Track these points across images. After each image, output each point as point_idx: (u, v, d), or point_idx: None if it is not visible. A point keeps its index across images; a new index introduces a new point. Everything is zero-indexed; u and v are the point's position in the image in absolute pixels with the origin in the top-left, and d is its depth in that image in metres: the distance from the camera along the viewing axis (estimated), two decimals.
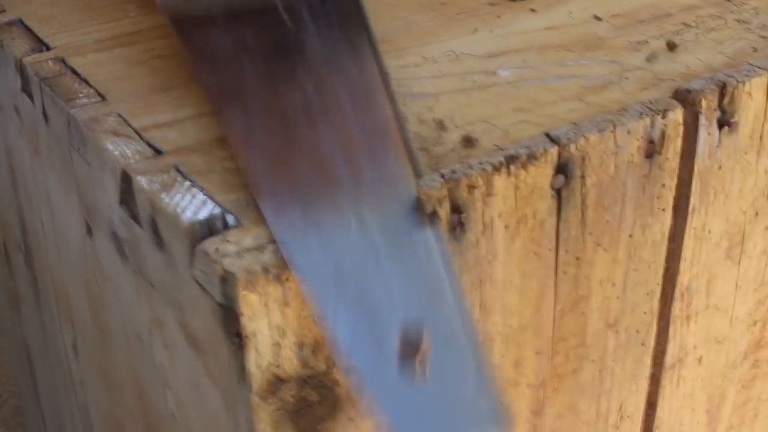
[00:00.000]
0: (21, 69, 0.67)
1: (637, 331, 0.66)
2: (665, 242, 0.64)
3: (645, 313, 0.65)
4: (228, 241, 0.50)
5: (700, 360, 0.71)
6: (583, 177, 0.57)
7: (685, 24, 0.71)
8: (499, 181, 0.54)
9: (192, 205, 0.52)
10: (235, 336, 0.49)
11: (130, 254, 0.59)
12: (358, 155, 0.53)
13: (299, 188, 0.52)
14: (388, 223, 0.51)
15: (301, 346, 0.51)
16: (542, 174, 0.56)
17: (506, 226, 0.56)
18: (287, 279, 0.49)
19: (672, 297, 0.66)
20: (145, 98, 0.62)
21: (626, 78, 0.64)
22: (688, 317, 0.68)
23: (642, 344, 0.67)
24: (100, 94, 0.63)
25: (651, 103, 0.60)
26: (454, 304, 0.50)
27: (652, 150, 0.59)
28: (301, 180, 0.52)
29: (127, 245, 0.59)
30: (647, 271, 0.64)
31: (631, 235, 0.61)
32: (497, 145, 0.57)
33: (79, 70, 0.66)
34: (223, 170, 0.55)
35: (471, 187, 0.53)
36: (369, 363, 0.49)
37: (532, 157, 0.55)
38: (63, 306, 0.77)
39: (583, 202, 0.58)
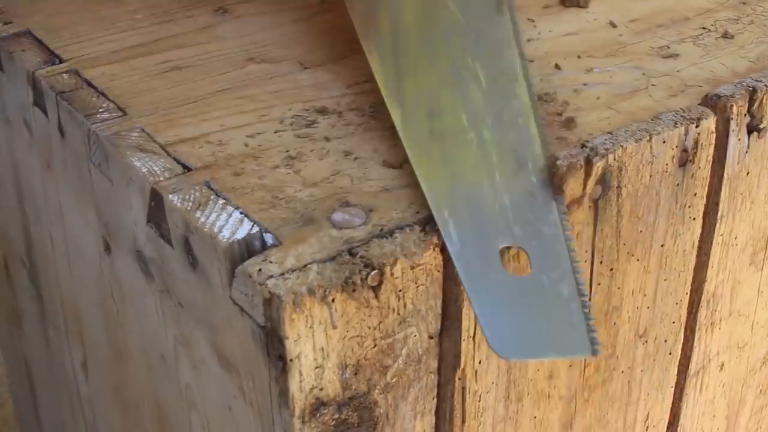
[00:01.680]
0: (33, 82, 0.65)
1: (665, 341, 0.65)
2: (695, 251, 0.63)
3: (673, 322, 0.65)
4: (270, 261, 0.48)
5: (722, 366, 0.71)
6: (619, 187, 0.57)
7: (704, 28, 0.71)
8: None
9: (229, 224, 0.51)
10: (279, 359, 0.48)
11: (156, 274, 0.58)
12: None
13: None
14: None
15: (343, 368, 0.50)
16: (581, 184, 0.55)
17: None
18: (333, 300, 0.48)
19: (698, 305, 0.66)
20: (167, 112, 0.61)
21: (653, 84, 0.63)
22: (712, 324, 0.68)
23: (669, 353, 0.66)
24: (120, 108, 0.61)
25: (684, 111, 0.59)
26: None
27: (685, 158, 0.59)
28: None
29: (153, 264, 0.57)
30: (677, 280, 0.63)
31: (662, 245, 0.61)
32: None
33: (95, 83, 0.64)
34: (256, 186, 0.54)
35: None
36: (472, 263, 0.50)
37: (571, 168, 0.54)
38: (72, 323, 0.75)
39: (619, 212, 0.57)
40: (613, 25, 0.71)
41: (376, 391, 0.52)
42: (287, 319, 0.47)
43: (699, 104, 0.61)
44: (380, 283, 0.49)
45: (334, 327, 0.48)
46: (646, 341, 0.64)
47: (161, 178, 0.55)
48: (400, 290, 0.50)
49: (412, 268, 0.50)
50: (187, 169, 0.56)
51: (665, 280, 0.62)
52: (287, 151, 0.57)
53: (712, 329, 0.68)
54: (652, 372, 0.66)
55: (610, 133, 0.57)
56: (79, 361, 0.77)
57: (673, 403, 0.69)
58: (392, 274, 0.49)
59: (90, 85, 0.64)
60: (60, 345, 0.80)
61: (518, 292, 0.50)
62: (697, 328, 0.67)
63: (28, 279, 0.82)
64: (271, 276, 0.47)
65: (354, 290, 0.48)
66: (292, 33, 0.70)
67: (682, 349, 0.67)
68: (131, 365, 0.67)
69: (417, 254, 0.50)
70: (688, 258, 0.63)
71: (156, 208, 0.55)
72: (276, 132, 0.59)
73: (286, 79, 0.64)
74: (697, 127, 0.58)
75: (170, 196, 0.53)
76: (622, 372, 0.64)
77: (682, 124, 0.58)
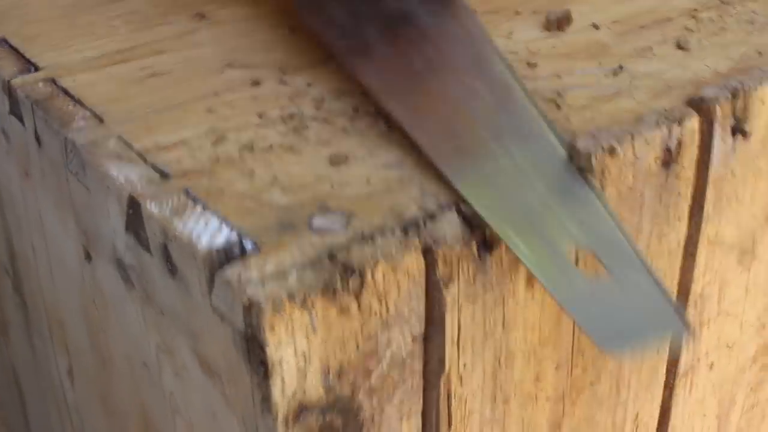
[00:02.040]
0: (9, 91, 0.65)
1: None
2: (680, 251, 0.63)
3: None
4: (249, 268, 0.48)
5: (711, 366, 0.71)
6: (602, 189, 0.56)
7: (687, 29, 0.71)
8: None
9: (207, 231, 0.50)
10: (260, 365, 0.48)
11: (136, 281, 0.57)
12: (490, 105, 0.58)
13: (451, 134, 0.56)
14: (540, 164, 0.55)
15: (326, 372, 0.49)
16: None
17: None
18: (313, 304, 0.47)
19: (686, 305, 0.65)
20: (145, 119, 0.60)
21: (636, 86, 0.63)
22: (700, 324, 0.68)
23: (657, 353, 0.66)
24: (97, 116, 0.61)
25: (666, 111, 0.59)
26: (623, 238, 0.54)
27: (668, 159, 0.58)
28: (449, 125, 0.57)
29: (133, 272, 0.57)
30: (663, 280, 0.63)
31: (648, 246, 0.60)
32: None
33: (71, 92, 0.63)
34: (235, 193, 0.53)
35: None
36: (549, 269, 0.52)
37: None
38: (57, 331, 0.75)
39: None
40: (595, 27, 0.71)
41: (361, 394, 0.51)
42: (267, 325, 0.46)
43: (683, 105, 0.60)
44: (361, 287, 0.48)
45: (314, 331, 0.47)
46: None
47: (138, 186, 0.54)
48: (381, 294, 0.49)
49: (394, 271, 0.49)
50: (164, 176, 0.55)
51: None
52: (267, 156, 0.56)
53: (700, 329, 0.68)
54: (640, 372, 0.65)
55: (593, 135, 0.57)
56: (65, 368, 0.76)
57: (662, 403, 0.69)
58: (373, 278, 0.49)
59: (66, 93, 0.63)
60: (46, 352, 0.79)
61: (602, 293, 0.52)
62: None
63: (12, 287, 0.81)
64: (251, 283, 0.47)
65: (334, 294, 0.48)
66: (272, 38, 0.70)
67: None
68: (115, 373, 0.66)
69: (398, 258, 0.49)
70: (674, 259, 0.63)
71: (134, 216, 0.54)
72: (255, 138, 0.58)
73: (265, 85, 0.64)
74: (680, 126, 0.58)
75: (148, 203, 0.53)
76: (610, 372, 0.64)
77: (664, 124, 0.58)
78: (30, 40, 0.70)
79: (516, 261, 0.54)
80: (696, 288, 0.65)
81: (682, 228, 0.62)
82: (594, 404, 0.64)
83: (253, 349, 0.48)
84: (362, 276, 0.48)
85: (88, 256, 0.63)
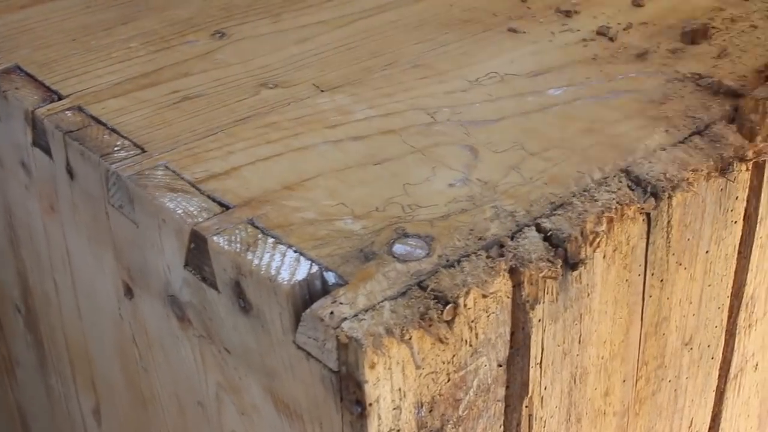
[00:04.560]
0: (33, 121, 0.61)
1: (708, 346, 0.64)
2: (735, 254, 0.62)
3: (716, 327, 0.64)
4: (340, 302, 0.46)
5: (756, 366, 0.71)
6: (670, 198, 0.55)
7: (714, 27, 0.70)
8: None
9: (285, 264, 0.48)
10: (356, 404, 0.45)
11: (194, 318, 0.54)
12: None
13: None
14: None
15: (419, 406, 0.47)
16: (635, 200, 0.53)
17: (604, 256, 0.53)
18: (410, 338, 0.45)
19: (738, 308, 0.65)
20: (189, 146, 0.57)
21: (680, 89, 0.62)
22: (749, 326, 0.67)
23: (712, 358, 0.65)
24: (137, 145, 0.58)
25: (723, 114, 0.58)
26: None
27: (728, 162, 0.58)
28: None
29: (191, 309, 0.54)
30: (719, 285, 0.62)
31: (707, 251, 0.60)
32: (581, 171, 0.54)
33: (103, 119, 0.60)
34: (303, 221, 0.51)
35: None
36: None
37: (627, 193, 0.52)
38: (81, 370, 0.71)
39: (669, 222, 0.56)
40: (627, 28, 0.70)
41: (449, 426, 0.50)
42: (367, 362, 0.44)
43: (732, 107, 0.60)
44: (454, 315, 0.47)
45: (418, 367, 0.45)
46: (691, 348, 0.63)
47: (200, 219, 0.52)
48: (472, 321, 0.48)
49: (484, 296, 0.48)
50: (225, 207, 0.52)
51: (709, 286, 0.61)
52: (327, 180, 0.54)
53: (749, 331, 0.67)
54: (696, 378, 0.65)
55: (663, 148, 0.55)
56: (90, 407, 0.73)
57: (714, 407, 0.68)
58: (465, 305, 0.47)
59: (99, 121, 0.60)
60: (66, 392, 0.75)
61: None
62: (737, 331, 0.66)
63: (24, 326, 0.77)
64: (345, 318, 0.45)
65: (430, 325, 0.46)
66: (299, 55, 0.68)
67: (722, 353, 0.66)
68: (158, 411, 0.63)
69: (488, 282, 0.48)
70: (730, 262, 0.62)
71: (197, 251, 0.51)
72: (310, 162, 0.56)
73: (305, 104, 0.62)
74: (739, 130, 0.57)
75: (214, 238, 0.50)
76: (670, 381, 0.63)
77: (725, 128, 0.57)
78: (46, 66, 0.66)
79: (593, 276, 0.53)
80: (748, 290, 0.65)
81: (737, 231, 0.61)
82: (654, 414, 0.63)
83: (348, 388, 0.45)
84: (456, 304, 0.46)
85: (129, 293, 0.60)
